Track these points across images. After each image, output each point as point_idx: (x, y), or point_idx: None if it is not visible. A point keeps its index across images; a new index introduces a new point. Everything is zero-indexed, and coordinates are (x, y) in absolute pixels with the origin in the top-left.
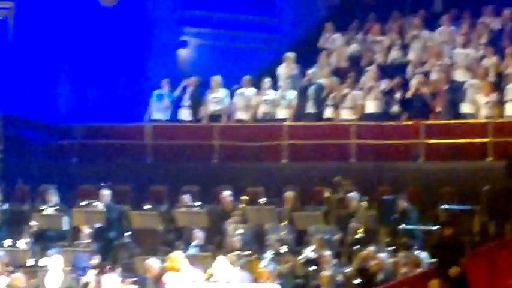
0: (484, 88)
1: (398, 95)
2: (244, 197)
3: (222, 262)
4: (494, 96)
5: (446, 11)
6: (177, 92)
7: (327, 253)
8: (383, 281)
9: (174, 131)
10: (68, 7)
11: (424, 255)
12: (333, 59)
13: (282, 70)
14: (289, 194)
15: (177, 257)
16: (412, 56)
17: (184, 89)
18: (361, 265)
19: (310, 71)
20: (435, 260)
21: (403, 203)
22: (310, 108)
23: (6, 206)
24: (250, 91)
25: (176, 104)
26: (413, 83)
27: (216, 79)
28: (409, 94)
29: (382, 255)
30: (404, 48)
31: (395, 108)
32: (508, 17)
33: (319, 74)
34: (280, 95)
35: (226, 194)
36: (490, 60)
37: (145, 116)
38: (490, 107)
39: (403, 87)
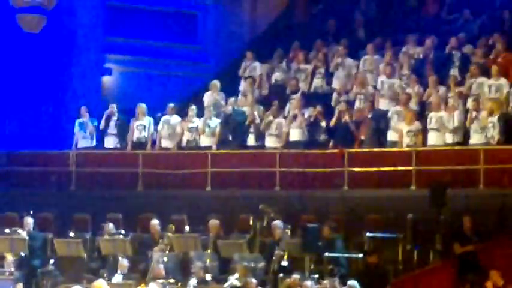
0: (407, 116)
1: (322, 123)
2: (171, 226)
3: None
4: (417, 125)
5: (370, 40)
6: (102, 124)
7: (252, 281)
8: None
9: (98, 158)
10: None
11: (353, 282)
12: (257, 87)
13: (207, 98)
14: (213, 222)
15: (101, 285)
16: (336, 84)
17: (109, 116)
18: None
19: (233, 99)
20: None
21: (328, 231)
22: (234, 136)
23: None
24: (175, 119)
25: (101, 131)
26: (337, 111)
27: (141, 106)
28: (332, 122)
29: (307, 282)
30: (329, 76)
31: (319, 136)
32: (430, 46)
33: (243, 102)
34: (204, 123)
35: (155, 222)
36: (413, 89)
37: (73, 145)
38: (413, 136)
39: (328, 115)
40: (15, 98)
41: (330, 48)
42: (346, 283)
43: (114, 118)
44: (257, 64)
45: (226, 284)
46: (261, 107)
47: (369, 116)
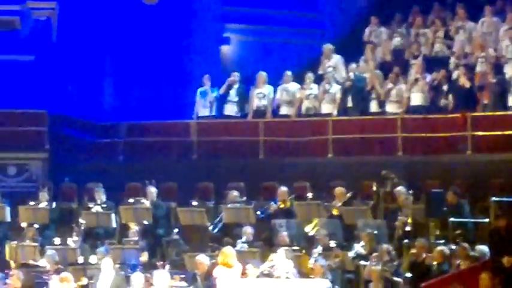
0: None
1: (444, 88)
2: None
3: (281, 255)
4: None
5: (490, 2)
6: (222, 90)
7: (379, 247)
8: (437, 274)
9: (219, 127)
10: (110, 6)
11: (482, 247)
12: (378, 53)
13: (325, 64)
14: (339, 190)
15: (230, 252)
16: (455, 47)
17: (230, 84)
18: (414, 258)
19: (353, 65)
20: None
21: (452, 196)
22: (354, 102)
23: (54, 205)
24: (294, 86)
25: (221, 100)
26: (458, 75)
27: (262, 75)
28: (459, 84)
29: (438, 248)
30: (448, 40)
31: (441, 101)
32: None
33: (364, 68)
34: (324, 90)
35: (284, 189)
36: None
37: (193, 113)
38: None
39: (449, 80)
40: (137, 70)
41: (448, 11)
42: (474, 248)
43: (236, 86)
44: (382, 29)
45: (351, 252)
46: (381, 73)
47: (493, 80)
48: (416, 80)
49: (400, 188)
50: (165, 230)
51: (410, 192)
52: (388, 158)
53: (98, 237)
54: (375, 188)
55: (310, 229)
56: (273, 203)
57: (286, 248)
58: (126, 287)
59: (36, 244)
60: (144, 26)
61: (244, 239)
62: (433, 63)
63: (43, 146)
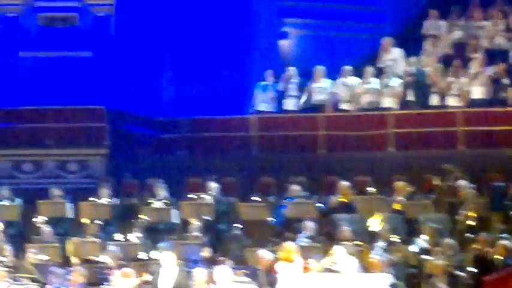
0: None
1: (505, 81)
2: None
3: (341, 251)
4: None
5: None
6: (281, 85)
7: (442, 241)
8: (501, 268)
9: (278, 122)
10: (169, 1)
11: None
12: (438, 46)
13: (384, 57)
14: (400, 184)
15: (291, 247)
16: None
17: (287, 79)
18: (477, 252)
19: (413, 59)
20: None
21: None
22: (415, 96)
23: (115, 201)
24: (353, 80)
25: (281, 95)
26: None
27: (320, 69)
28: None
29: (501, 242)
30: (509, 33)
31: (502, 94)
32: None
33: (425, 62)
34: (384, 84)
35: (345, 184)
36: None
37: (250, 107)
38: None
39: (509, 73)
40: (196, 65)
41: (509, 3)
42: None
43: (293, 81)
44: (442, 22)
45: (414, 247)
46: (442, 66)
47: None
48: (477, 74)
49: (462, 182)
50: (226, 225)
51: (472, 186)
52: (449, 152)
53: (159, 233)
54: (436, 182)
55: (375, 225)
56: (333, 197)
57: (348, 242)
58: (188, 282)
59: (98, 240)
60: (202, 21)
61: (305, 233)
62: (493, 56)
63: (103, 142)
